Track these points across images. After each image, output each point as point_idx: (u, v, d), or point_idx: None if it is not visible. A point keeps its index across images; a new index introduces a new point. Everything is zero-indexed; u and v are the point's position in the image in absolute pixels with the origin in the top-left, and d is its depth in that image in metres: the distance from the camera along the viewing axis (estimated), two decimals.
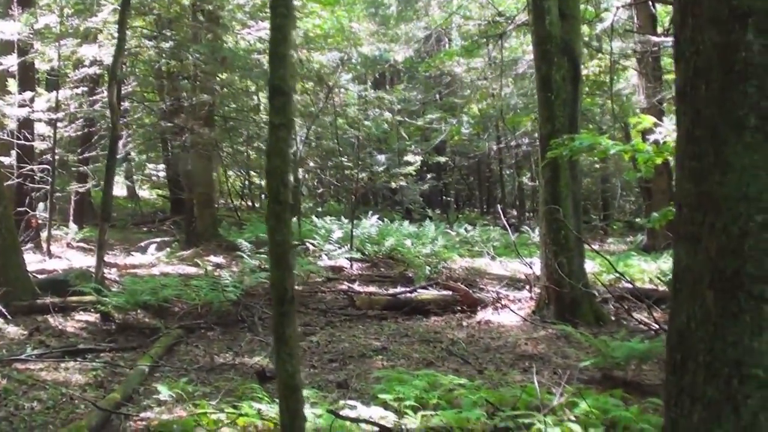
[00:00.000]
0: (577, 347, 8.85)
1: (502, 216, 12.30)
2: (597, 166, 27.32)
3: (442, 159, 24.30)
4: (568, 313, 10.04)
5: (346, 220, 19.28)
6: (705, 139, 2.51)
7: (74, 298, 9.99)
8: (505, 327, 10.07)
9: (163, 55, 13.90)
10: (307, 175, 24.92)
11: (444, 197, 31.57)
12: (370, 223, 18.48)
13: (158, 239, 15.02)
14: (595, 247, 19.69)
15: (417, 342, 9.20)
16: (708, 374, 2.53)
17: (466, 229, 21.15)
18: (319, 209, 24.79)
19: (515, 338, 9.40)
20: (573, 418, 5.90)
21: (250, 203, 28.34)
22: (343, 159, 19.64)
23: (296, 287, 11.81)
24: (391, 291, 11.79)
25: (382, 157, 22.39)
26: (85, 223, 18.34)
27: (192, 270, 13.18)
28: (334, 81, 16.04)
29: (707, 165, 2.49)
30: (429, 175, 25.24)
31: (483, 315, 10.63)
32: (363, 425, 5.55)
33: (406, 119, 22.82)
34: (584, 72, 22.92)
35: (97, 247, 10.23)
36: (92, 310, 9.68)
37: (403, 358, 8.45)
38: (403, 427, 5.53)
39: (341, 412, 5.85)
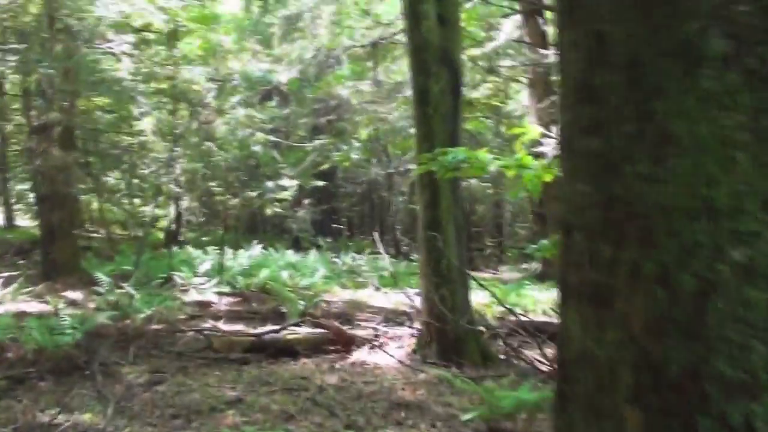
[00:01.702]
0: (462, 393, 7.67)
1: (378, 243, 11.05)
2: (490, 191, 26.59)
3: (320, 183, 22.91)
4: (452, 352, 8.91)
5: (226, 250, 17.96)
6: (616, 85, 1.15)
7: None
8: (381, 369, 8.83)
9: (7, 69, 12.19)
10: (191, 203, 23.33)
11: (335, 225, 30.22)
12: (249, 254, 17.13)
13: (5, 274, 13.27)
14: (488, 275, 18.81)
15: (279, 391, 7.87)
16: None
17: (353, 258, 20.02)
18: (204, 238, 23.26)
19: (392, 383, 8.18)
20: None
21: (134, 233, 26.58)
22: (211, 184, 18.16)
23: (153, 326, 10.49)
24: (258, 330, 10.40)
25: (270, 184, 21.08)
26: None
27: (43, 308, 11.54)
28: (199, 99, 14.58)
29: (622, 139, 1.15)
30: (307, 201, 23.87)
31: (358, 355, 9.38)
32: None
33: (283, 140, 21.45)
34: (475, 95, 22.18)
35: None
36: None
37: (259, 412, 7.15)
38: None
39: None
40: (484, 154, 5.79)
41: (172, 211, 23.98)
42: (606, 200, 1.23)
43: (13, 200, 27.47)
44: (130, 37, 13.64)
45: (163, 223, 24.65)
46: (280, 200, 19.61)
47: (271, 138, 19.32)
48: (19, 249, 19.95)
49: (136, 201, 22.41)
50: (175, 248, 18.69)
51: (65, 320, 8.88)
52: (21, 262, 17.78)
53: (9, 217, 28.66)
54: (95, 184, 16.52)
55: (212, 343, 9.36)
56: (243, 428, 6.53)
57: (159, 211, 22.74)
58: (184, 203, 22.68)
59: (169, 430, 6.69)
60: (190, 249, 18.12)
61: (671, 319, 1.12)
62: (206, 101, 15.73)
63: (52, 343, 8.37)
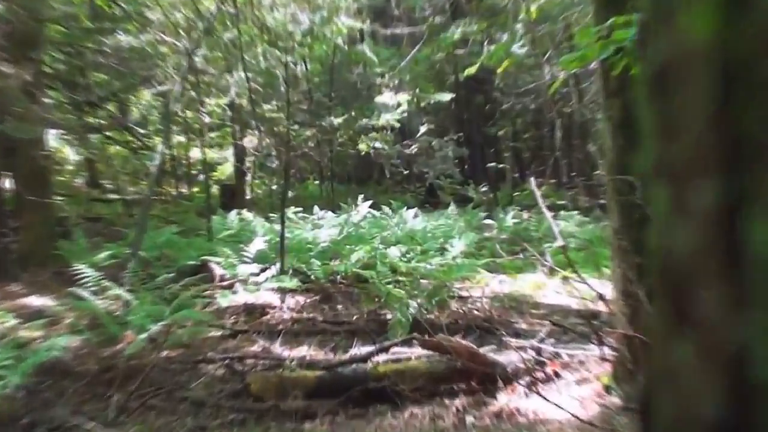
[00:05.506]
0: None
1: (536, 194, 9.73)
2: None
3: (446, 96, 21.31)
4: None
5: (321, 213, 17.14)
6: None
7: None
8: (549, 427, 7.48)
9: None
10: (259, 141, 22.41)
11: (494, 164, 28.65)
12: (342, 219, 16.17)
13: None
14: None
15: None
16: None
17: (518, 219, 18.77)
18: (290, 193, 22.22)
19: None
20: None
21: (178, 190, 26.24)
22: (267, 107, 17.16)
23: (159, 354, 9.56)
24: (332, 358, 9.32)
25: (388, 96, 19.61)
26: None
27: None
28: None
29: None
30: (423, 127, 22.51)
31: (508, 399, 8.06)
32: None
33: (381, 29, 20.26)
34: None
35: None
36: None
37: None
38: None
39: None
40: None
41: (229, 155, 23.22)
42: None
43: None
44: None
45: (222, 174, 24.06)
46: (377, 129, 18.17)
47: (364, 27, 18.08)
48: None
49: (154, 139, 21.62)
50: (230, 215, 17.84)
51: None
52: None
53: None
54: (76, 115, 15.67)
55: (249, 384, 8.29)
56: None
57: (208, 154, 22.00)
58: (247, 142, 21.63)
59: None
60: (248, 215, 17.32)
61: None
62: None
63: None
